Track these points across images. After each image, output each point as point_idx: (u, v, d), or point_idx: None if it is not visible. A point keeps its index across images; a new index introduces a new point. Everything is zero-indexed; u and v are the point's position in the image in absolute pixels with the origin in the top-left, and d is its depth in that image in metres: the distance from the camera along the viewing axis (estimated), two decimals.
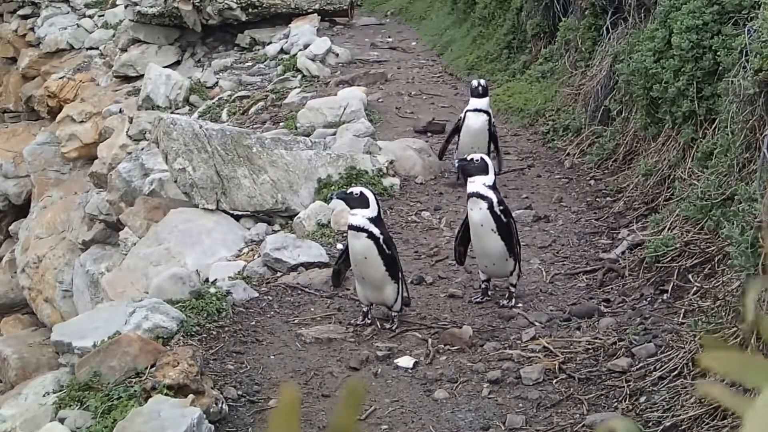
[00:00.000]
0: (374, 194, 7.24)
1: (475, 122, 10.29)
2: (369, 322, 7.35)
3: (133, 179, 12.85)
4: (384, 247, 6.95)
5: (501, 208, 7.36)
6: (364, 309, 7.35)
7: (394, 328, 7.25)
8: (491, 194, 7.36)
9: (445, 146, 11.05)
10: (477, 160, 7.47)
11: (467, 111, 10.41)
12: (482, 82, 10.66)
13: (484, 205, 7.33)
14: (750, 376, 1.02)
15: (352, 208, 6.99)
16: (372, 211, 6.96)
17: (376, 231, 6.92)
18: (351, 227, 6.99)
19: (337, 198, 7.34)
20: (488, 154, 9.29)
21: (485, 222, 7.34)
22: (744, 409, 0.99)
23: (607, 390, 6.18)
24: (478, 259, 7.67)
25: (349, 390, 1.09)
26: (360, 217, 6.91)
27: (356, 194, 6.99)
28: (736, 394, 1.00)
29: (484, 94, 10.39)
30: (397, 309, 7.25)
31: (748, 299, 1.09)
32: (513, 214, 7.81)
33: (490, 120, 10.34)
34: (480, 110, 10.29)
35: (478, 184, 7.37)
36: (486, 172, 7.40)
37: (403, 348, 6.97)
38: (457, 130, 10.60)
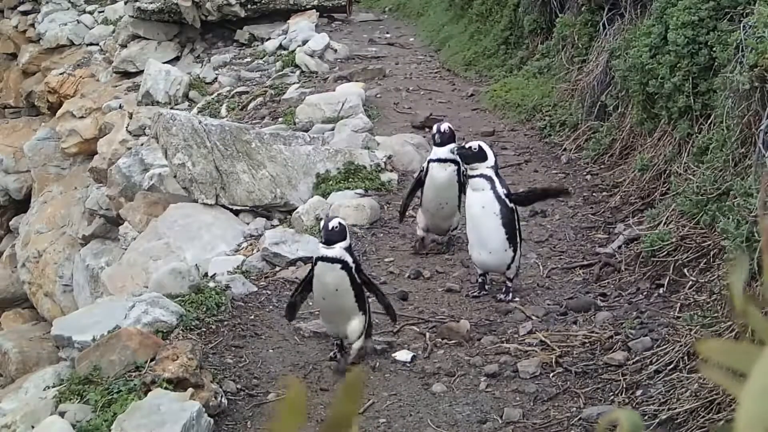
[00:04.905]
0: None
1: (440, 174, 8.44)
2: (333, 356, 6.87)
3: (132, 174, 12.89)
4: (356, 276, 6.51)
5: (505, 192, 7.39)
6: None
7: (348, 363, 6.69)
8: (495, 177, 7.39)
9: (406, 204, 9.02)
10: (474, 148, 7.49)
11: (430, 161, 8.57)
12: (445, 127, 8.57)
13: (487, 185, 7.32)
14: (748, 364, 1.05)
15: (331, 243, 6.42)
16: (347, 241, 6.53)
17: (349, 260, 6.48)
18: (324, 259, 6.45)
19: (324, 237, 6.49)
20: (459, 209, 8.48)
21: (487, 204, 7.34)
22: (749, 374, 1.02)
23: (603, 383, 6.21)
24: (472, 250, 7.66)
25: (348, 382, 1.13)
26: (338, 249, 6.42)
27: (336, 228, 6.44)
28: (735, 379, 1.03)
29: (449, 141, 8.45)
30: (357, 347, 6.69)
31: (733, 283, 1.13)
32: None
33: (459, 170, 8.41)
34: (445, 160, 8.42)
35: (481, 168, 7.39)
36: (485, 158, 7.42)
37: (401, 342, 7.01)
38: (419, 183, 8.69)
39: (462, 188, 8.36)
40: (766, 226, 1.07)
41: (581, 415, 5.85)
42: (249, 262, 8.59)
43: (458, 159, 8.33)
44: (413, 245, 8.86)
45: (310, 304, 7.25)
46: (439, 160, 8.44)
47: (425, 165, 8.65)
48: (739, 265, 1.18)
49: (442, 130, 8.49)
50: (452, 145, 8.39)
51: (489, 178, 7.35)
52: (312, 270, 6.58)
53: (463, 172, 8.39)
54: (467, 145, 7.61)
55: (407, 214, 9.08)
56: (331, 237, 6.42)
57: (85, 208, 15.59)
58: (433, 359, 6.71)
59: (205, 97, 16.94)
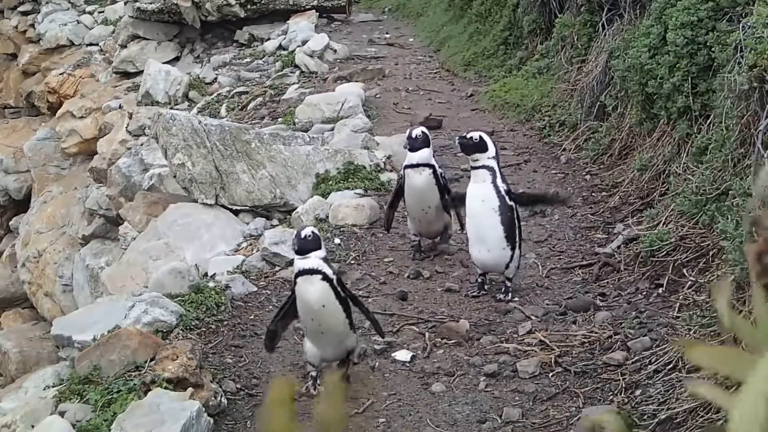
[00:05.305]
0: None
1: (417, 179, 8.28)
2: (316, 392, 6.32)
3: (132, 174, 12.91)
4: (339, 288, 6.11)
5: (505, 188, 7.38)
6: (313, 373, 6.34)
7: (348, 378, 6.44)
8: (497, 169, 7.39)
9: (390, 214, 8.95)
10: (475, 138, 7.47)
11: (405, 167, 8.41)
12: (417, 132, 8.37)
13: (489, 177, 7.32)
14: (738, 370, 1.06)
15: (305, 252, 6.08)
16: (323, 251, 6.17)
17: (329, 271, 6.07)
18: (303, 272, 6.05)
19: (296, 250, 6.12)
20: (446, 211, 8.44)
21: (487, 199, 7.35)
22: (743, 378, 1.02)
23: (602, 383, 6.22)
24: (472, 248, 7.65)
25: (330, 383, 1.14)
26: (313, 258, 6.05)
27: (309, 236, 6.08)
28: (724, 390, 1.04)
29: (423, 146, 8.25)
30: (355, 360, 6.48)
31: (721, 302, 1.14)
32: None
33: (435, 172, 8.28)
34: (419, 165, 8.25)
35: (482, 159, 7.39)
36: (486, 149, 7.41)
37: (400, 342, 7.01)
38: (399, 192, 8.61)
39: (443, 191, 8.31)
40: (751, 250, 1.08)
41: (580, 414, 5.86)
42: (249, 261, 8.60)
43: (433, 162, 8.28)
44: (412, 248, 8.74)
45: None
46: (413, 166, 8.28)
47: (402, 172, 8.51)
48: (726, 285, 1.18)
49: (413, 135, 8.32)
50: (426, 150, 8.26)
51: (491, 169, 7.35)
52: (293, 291, 6.21)
53: (441, 174, 8.36)
54: (468, 135, 7.56)
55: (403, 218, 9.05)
56: (304, 246, 6.05)
57: (85, 208, 15.62)
58: (433, 359, 6.72)
59: (204, 97, 16.95)
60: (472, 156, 7.42)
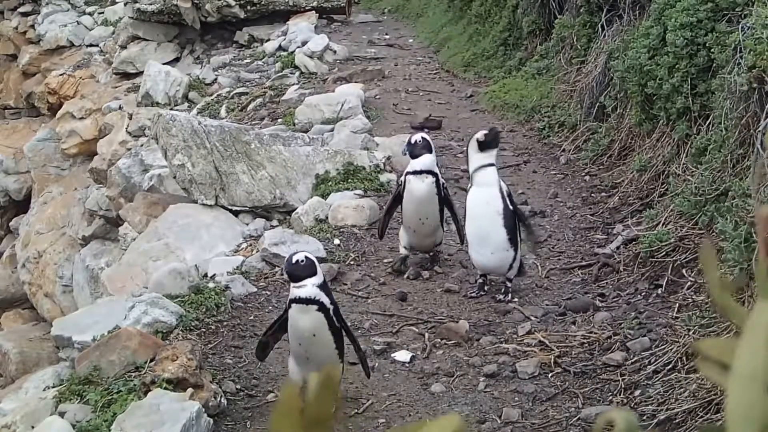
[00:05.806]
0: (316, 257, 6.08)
1: (418, 187, 7.91)
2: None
3: (132, 175, 12.92)
4: (334, 319, 5.81)
5: (507, 191, 7.41)
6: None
7: None
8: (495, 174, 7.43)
9: (385, 221, 8.52)
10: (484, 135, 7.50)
11: (406, 173, 8.03)
12: (417, 138, 8.05)
13: (496, 180, 7.38)
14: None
15: (300, 279, 5.72)
16: (319, 277, 5.79)
17: (326, 301, 5.75)
18: (298, 300, 5.74)
19: (286, 272, 5.85)
20: (441, 224, 8.19)
21: (491, 201, 7.36)
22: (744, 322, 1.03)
23: (602, 384, 6.22)
24: (472, 250, 7.66)
25: (323, 378, 1.13)
26: (310, 287, 5.70)
27: (302, 261, 5.72)
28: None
29: (423, 152, 7.90)
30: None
31: (710, 272, 1.14)
32: None
33: (438, 182, 7.96)
34: (422, 171, 7.90)
35: (490, 154, 7.40)
36: (492, 146, 7.43)
37: (400, 342, 7.02)
38: (397, 198, 8.19)
39: (443, 201, 8.08)
40: (762, 214, 1.08)
41: (580, 415, 5.86)
42: (248, 262, 8.59)
43: (436, 170, 8.00)
44: (392, 264, 8.45)
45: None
46: (416, 172, 7.93)
47: (402, 179, 8.16)
48: (713, 257, 1.19)
49: (413, 141, 8.00)
50: (429, 156, 7.94)
51: (494, 169, 7.40)
52: (285, 312, 5.96)
53: (443, 185, 8.09)
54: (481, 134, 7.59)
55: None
56: (295, 272, 5.73)
57: (84, 208, 15.63)
58: (432, 359, 6.73)
59: (204, 98, 16.97)
60: (484, 153, 7.42)
